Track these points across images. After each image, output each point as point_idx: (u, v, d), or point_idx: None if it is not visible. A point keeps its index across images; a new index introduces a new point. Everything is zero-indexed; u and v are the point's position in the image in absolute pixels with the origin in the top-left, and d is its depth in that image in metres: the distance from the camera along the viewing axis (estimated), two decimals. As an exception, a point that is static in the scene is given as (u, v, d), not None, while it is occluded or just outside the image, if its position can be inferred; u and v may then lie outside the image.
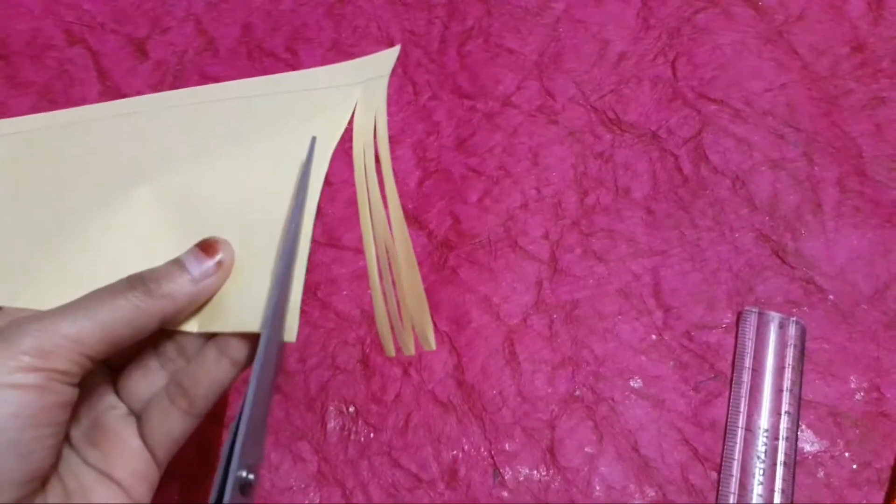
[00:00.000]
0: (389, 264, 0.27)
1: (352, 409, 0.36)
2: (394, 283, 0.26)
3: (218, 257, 0.25)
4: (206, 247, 0.25)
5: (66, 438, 0.24)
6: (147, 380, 0.26)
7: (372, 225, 0.27)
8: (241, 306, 0.26)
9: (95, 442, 0.25)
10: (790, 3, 0.45)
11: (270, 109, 0.32)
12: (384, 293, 0.26)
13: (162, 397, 0.25)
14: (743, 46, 0.44)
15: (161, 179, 0.30)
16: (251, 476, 0.22)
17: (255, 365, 0.23)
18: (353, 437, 0.35)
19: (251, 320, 0.25)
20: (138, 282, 0.24)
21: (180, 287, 0.24)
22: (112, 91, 0.45)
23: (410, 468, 0.34)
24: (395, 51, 0.33)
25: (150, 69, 0.46)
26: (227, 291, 0.26)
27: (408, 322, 0.27)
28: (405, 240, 0.26)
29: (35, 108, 0.44)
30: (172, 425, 0.25)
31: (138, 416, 0.26)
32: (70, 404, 0.23)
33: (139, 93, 0.45)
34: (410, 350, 0.26)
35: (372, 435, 0.35)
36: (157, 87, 0.45)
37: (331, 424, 0.35)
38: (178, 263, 0.25)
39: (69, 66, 0.46)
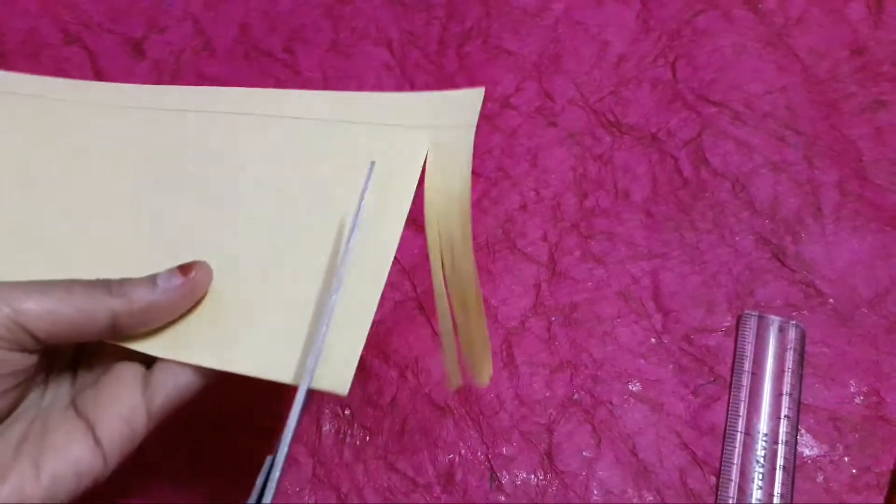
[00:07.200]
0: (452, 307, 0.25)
1: (347, 412, 0.35)
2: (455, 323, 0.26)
3: (191, 275, 0.25)
4: (183, 267, 0.25)
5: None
6: None
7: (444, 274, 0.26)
8: (248, 344, 0.26)
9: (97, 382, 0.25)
10: (790, 6, 0.45)
11: (322, 137, 0.29)
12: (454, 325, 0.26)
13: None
14: (743, 49, 0.43)
15: (185, 186, 0.29)
16: None
17: (293, 412, 0.23)
18: (348, 440, 0.35)
19: (262, 363, 0.25)
20: (101, 281, 0.24)
21: (138, 290, 0.24)
22: (108, 90, 0.45)
23: (406, 472, 0.34)
24: (478, 93, 0.27)
25: (147, 69, 0.45)
26: (231, 326, 0.26)
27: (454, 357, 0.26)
28: (476, 290, 0.26)
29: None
30: (180, 378, 0.25)
31: (147, 366, 0.25)
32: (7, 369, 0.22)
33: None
34: (454, 385, 0.26)
35: (368, 438, 0.35)
36: (153, 86, 0.45)
37: (326, 427, 0.35)
38: (149, 276, 0.25)
39: (65, 65, 0.46)
